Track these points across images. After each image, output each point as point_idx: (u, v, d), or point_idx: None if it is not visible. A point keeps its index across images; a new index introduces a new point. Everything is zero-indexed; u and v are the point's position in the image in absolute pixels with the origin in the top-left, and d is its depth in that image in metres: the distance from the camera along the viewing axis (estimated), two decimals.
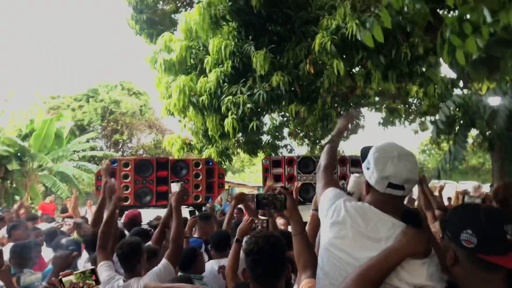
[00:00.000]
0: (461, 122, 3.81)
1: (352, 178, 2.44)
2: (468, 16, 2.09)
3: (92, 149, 21.44)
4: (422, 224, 2.09)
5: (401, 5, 2.21)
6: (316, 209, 2.38)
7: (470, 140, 13.50)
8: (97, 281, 1.91)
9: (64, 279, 1.85)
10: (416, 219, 1.61)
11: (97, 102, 24.66)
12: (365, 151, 1.76)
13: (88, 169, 18.43)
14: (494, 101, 3.59)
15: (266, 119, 12.63)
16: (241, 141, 11.16)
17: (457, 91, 9.35)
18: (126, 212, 4.53)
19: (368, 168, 1.64)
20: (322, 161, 2.09)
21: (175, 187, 3.25)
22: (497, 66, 1.99)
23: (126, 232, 4.32)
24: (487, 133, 3.93)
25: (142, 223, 4.77)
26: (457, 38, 2.10)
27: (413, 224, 1.55)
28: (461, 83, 9.38)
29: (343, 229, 1.61)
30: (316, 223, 2.38)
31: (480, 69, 2.02)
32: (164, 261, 2.85)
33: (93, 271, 1.92)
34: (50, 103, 23.92)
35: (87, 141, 20.14)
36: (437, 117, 3.66)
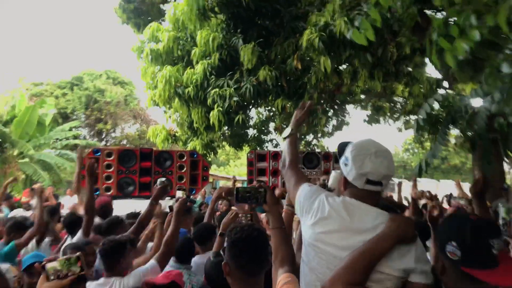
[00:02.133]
0: (443, 120, 3.88)
1: (333, 174, 2.45)
2: (455, 19, 2.12)
3: (75, 137, 21.09)
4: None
5: (389, 4, 2.23)
6: (289, 205, 2.37)
7: (452, 140, 13.74)
8: (82, 268, 1.86)
9: (47, 266, 1.80)
10: (393, 212, 1.64)
11: (81, 90, 24.27)
12: (342, 147, 1.78)
13: (71, 158, 18.11)
14: (476, 102, 3.68)
15: (253, 113, 12.63)
16: (226, 134, 11.13)
17: (441, 92, 9.48)
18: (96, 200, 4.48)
19: (346, 165, 1.67)
20: (287, 156, 2.07)
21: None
22: (481, 67, 2.04)
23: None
24: (468, 133, 4.00)
25: (113, 211, 4.70)
26: (444, 41, 2.13)
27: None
28: (446, 84, 9.52)
29: (329, 224, 1.63)
30: (289, 219, 2.39)
31: (465, 70, 2.06)
32: (153, 262, 2.80)
33: (79, 258, 1.86)
34: (33, 90, 23.45)
35: (70, 129, 19.78)
36: (419, 114, 3.72)
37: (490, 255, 1.27)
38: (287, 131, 2.15)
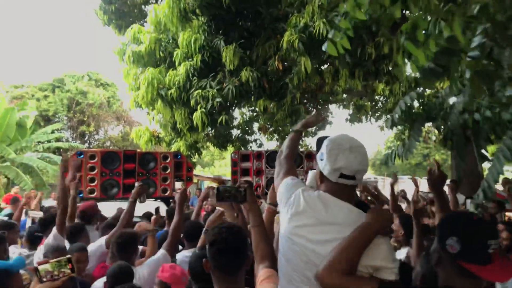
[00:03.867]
0: (418, 117, 4.00)
1: (311, 173, 2.53)
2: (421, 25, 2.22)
3: (58, 140, 20.82)
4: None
5: (366, 8, 2.33)
6: (271, 204, 2.45)
7: (433, 137, 14.02)
8: (73, 270, 1.92)
9: (40, 267, 1.85)
10: (367, 208, 1.73)
11: (63, 92, 23.93)
12: (320, 142, 1.86)
13: (53, 161, 17.86)
14: (451, 98, 3.80)
15: (236, 113, 12.68)
16: (210, 134, 11.16)
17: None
18: (79, 205, 4.44)
19: (321, 159, 1.74)
20: (285, 149, 2.17)
21: (178, 185, 3.49)
22: (443, 73, 2.15)
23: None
24: (442, 129, 4.14)
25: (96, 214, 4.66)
26: (411, 45, 2.23)
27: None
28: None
29: (303, 218, 1.70)
30: (271, 217, 2.46)
31: (429, 77, 2.17)
32: (162, 251, 2.99)
33: (69, 260, 1.92)
34: (13, 92, 23.03)
35: (52, 131, 19.50)
36: (395, 111, 3.84)
37: (486, 253, 1.39)
38: (295, 127, 2.29)
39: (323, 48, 2.55)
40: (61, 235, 3.39)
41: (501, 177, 3.41)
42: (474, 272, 1.39)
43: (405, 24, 2.33)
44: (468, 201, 4.03)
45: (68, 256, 1.95)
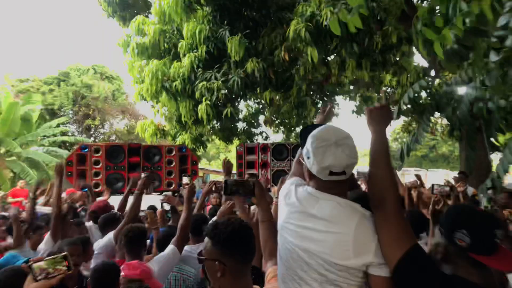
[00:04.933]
0: (427, 107, 3.89)
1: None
2: (438, 8, 2.09)
3: (63, 134, 20.83)
4: None
5: None
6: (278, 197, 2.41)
7: (440, 129, 13.84)
8: (69, 267, 1.85)
9: (34, 265, 1.80)
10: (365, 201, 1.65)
11: (69, 86, 23.91)
12: (303, 133, 1.76)
13: (59, 155, 17.87)
14: (461, 88, 3.69)
15: (242, 106, 12.59)
16: (216, 127, 11.08)
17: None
18: (91, 204, 4.39)
19: (308, 157, 1.64)
20: (298, 154, 2.11)
21: (186, 180, 3.50)
22: (468, 56, 2.02)
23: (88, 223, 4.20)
24: (452, 119, 4.03)
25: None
26: (429, 31, 2.10)
27: (362, 205, 1.59)
28: (432, 72, 9.55)
29: (292, 214, 1.66)
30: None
31: (452, 59, 2.04)
32: (171, 246, 2.93)
33: (65, 257, 1.85)
34: (19, 87, 23.04)
35: (58, 125, 19.49)
36: (403, 99, 3.72)
37: (494, 243, 1.43)
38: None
39: (326, 22, 2.41)
40: (54, 240, 3.30)
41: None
42: (485, 262, 1.42)
43: (420, 9, 2.21)
44: (481, 195, 3.91)
45: (64, 253, 1.88)
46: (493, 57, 1.75)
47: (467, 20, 1.95)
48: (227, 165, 3.61)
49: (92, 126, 24.37)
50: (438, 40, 2.05)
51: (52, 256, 1.87)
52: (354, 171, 1.86)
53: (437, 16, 2.06)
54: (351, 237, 1.49)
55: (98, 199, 5.70)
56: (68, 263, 1.85)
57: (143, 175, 3.64)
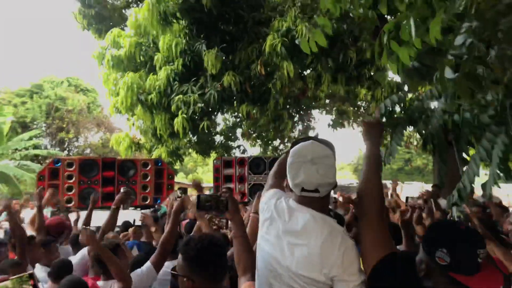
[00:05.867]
0: (400, 121, 3.97)
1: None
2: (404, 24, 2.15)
3: (36, 147, 20.30)
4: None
5: (339, 14, 2.25)
6: (255, 212, 2.38)
7: (415, 142, 14.12)
8: (36, 286, 1.80)
9: (0, 285, 1.76)
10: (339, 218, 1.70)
11: (42, 98, 23.43)
12: (294, 146, 1.76)
13: (31, 169, 17.40)
14: (433, 103, 3.79)
15: (219, 119, 12.57)
16: (193, 141, 11.01)
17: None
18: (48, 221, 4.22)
19: (287, 172, 1.66)
20: (275, 166, 2.16)
21: (178, 193, 3.45)
22: (428, 73, 2.07)
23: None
24: (423, 133, 4.13)
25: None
26: (396, 44, 2.15)
27: (338, 222, 1.62)
28: (406, 87, 9.78)
29: (270, 226, 1.67)
30: (255, 226, 2.37)
31: (413, 77, 2.09)
32: (148, 264, 2.71)
33: (31, 276, 1.81)
34: None
35: (30, 138, 19.02)
36: (375, 115, 3.79)
37: (476, 263, 1.39)
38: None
39: (297, 42, 2.47)
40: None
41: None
42: (465, 283, 1.38)
43: (387, 24, 2.26)
44: (454, 208, 4.00)
45: (30, 271, 1.83)
46: (449, 74, 1.80)
47: (427, 40, 2.02)
48: (195, 183, 3.58)
49: (66, 139, 23.85)
50: (395, 60, 2.12)
51: (18, 275, 1.82)
52: None
53: (403, 30, 2.12)
54: (317, 249, 1.49)
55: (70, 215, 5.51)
56: (33, 282, 1.81)
57: (122, 189, 3.55)
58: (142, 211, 3.45)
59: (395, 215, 4.31)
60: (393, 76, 9.92)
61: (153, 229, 4.07)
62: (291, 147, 1.80)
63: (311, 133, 14.74)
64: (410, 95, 8.12)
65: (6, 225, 5.66)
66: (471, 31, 1.90)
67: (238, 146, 13.19)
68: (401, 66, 2.10)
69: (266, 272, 1.62)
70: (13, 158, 18.33)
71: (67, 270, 2.97)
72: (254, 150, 14.23)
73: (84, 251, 3.29)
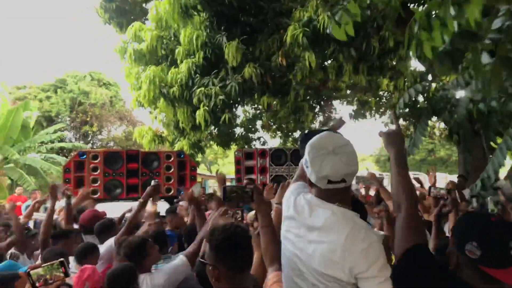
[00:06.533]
0: (424, 111, 3.90)
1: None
2: (436, 11, 2.10)
3: (61, 140, 20.75)
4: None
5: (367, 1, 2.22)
6: (278, 203, 2.37)
7: (438, 132, 13.87)
8: (66, 274, 1.87)
9: (32, 272, 1.82)
10: (360, 207, 1.67)
11: (66, 93, 23.87)
12: (304, 140, 1.74)
13: (57, 162, 17.81)
14: (458, 92, 3.70)
15: (239, 111, 12.60)
16: (214, 133, 11.07)
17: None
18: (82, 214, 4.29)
19: (307, 167, 1.63)
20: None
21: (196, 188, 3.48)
22: (460, 59, 2.02)
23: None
24: (449, 123, 4.04)
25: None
26: (425, 33, 2.11)
27: (358, 212, 1.60)
28: (429, 77, 9.59)
29: (291, 223, 1.66)
30: (279, 217, 2.38)
31: (445, 62, 2.04)
32: (181, 257, 2.72)
33: (62, 263, 1.88)
34: (16, 94, 23.00)
35: (55, 132, 19.43)
36: (398, 104, 3.73)
37: (508, 256, 1.33)
38: None
39: (328, 31, 2.44)
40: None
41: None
42: (496, 276, 1.33)
43: (418, 12, 2.22)
44: (488, 198, 3.91)
45: (61, 259, 1.89)
46: (486, 59, 1.75)
47: (462, 22, 1.96)
48: (219, 177, 3.59)
49: (89, 132, 24.30)
50: (429, 41, 2.06)
51: (50, 263, 1.88)
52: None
53: (434, 18, 2.07)
54: (340, 246, 1.46)
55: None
56: (64, 269, 1.87)
57: (152, 183, 3.51)
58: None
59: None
60: (416, 66, 9.74)
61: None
62: (301, 142, 1.78)
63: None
64: (434, 85, 7.97)
65: (36, 216, 5.83)
66: (510, 13, 1.84)
67: (258, 138, 13.21)
68: (432, 50, 2.05)
69: (290, 271, 1.63)
70: (39, 151, 18.78)
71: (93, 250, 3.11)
72: (274, 142, 14.24)
73: (110, 241, 3.32)
